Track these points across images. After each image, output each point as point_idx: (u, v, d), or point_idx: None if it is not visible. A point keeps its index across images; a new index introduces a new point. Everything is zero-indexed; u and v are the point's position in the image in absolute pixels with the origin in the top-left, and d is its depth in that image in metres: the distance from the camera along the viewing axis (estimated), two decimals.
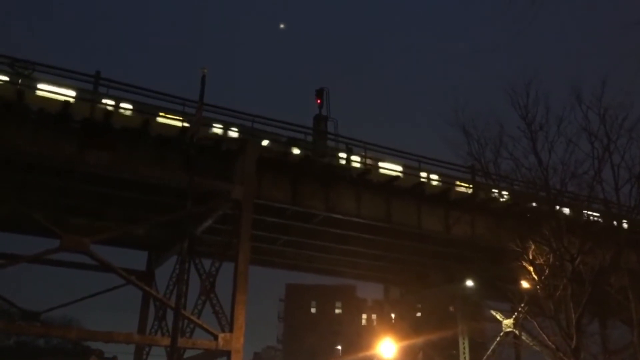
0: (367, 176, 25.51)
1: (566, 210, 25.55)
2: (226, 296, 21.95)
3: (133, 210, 25.41)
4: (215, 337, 20.70)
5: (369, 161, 26.09)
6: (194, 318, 22.05)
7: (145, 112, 21.73)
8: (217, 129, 23.41)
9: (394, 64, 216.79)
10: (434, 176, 27.89)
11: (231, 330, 20.87)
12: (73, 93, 20.80)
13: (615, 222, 24.97)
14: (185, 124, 21.88)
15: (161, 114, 22.03)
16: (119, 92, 21.88)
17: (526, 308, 26.67)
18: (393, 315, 42.85)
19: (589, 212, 26.53)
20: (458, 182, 28.06)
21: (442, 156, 27.52)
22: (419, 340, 37.91)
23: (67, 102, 20.05)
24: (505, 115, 24.19)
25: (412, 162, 27.32)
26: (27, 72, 20.24)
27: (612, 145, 23.31)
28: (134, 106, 21.96)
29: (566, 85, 23.88)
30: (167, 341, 20.78)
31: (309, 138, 25.66)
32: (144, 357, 29.70)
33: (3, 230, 27.79)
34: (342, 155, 25.91)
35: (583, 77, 24.68)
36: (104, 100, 21.16)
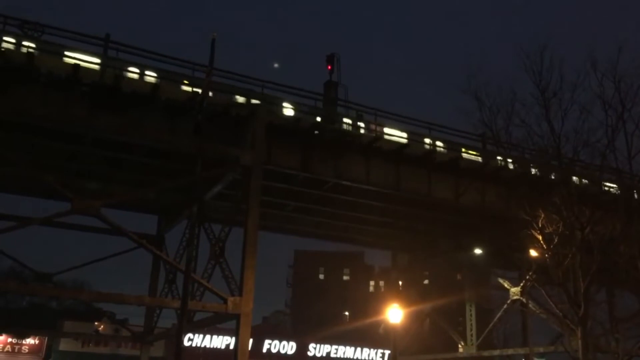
0: (377, 143, 25.36)
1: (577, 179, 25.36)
2: (236, 261, 22.15)
3: (143, 175, 25.47)
4: (225, 301, 20.90)
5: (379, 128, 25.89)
6: (203, 282, 22.26)
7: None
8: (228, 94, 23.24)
9: (405, 30, 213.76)
10: (441, 143, 27.66)
11: (240, 295, 21.08)
12: (83, 56, 20.69)
13: (627, 192, 24.77)
14: (195, 89, 21.77)
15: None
16: (128, 56, 21.73)
17: (534, 276, 26.72)
18: (400, 282, 43.16)
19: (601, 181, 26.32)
20: (465, 150, 27.82)
21: (454, 124, 27.32)
22: (426, 306, 38.31)
23: (77, 65, 19.94)
24: (518, 82, 23.85)
25: (423, 130, 27.14)
26: (37, 35, 20.10)
27: (627, 114, 22.98)
28: (142, 70, 21.80)
29: (582, 51, 23.48)
30: (177, 304, 21.05)
31: (319, 104, 25.48)
32: (155, 319, 30.22)
33: (14, 192, 28.05)
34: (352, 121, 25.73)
35: (599, 44, 24.22)
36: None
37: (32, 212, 26.49)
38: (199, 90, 21.04)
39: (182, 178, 22.94)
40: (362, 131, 25.44)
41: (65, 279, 36.98)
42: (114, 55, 21.55)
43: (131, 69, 21.59)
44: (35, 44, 20.03)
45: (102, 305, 37.16)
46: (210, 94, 21.64)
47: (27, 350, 34.03)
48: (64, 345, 34.16)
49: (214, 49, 18.18)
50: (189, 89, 22.02)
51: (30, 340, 34.16)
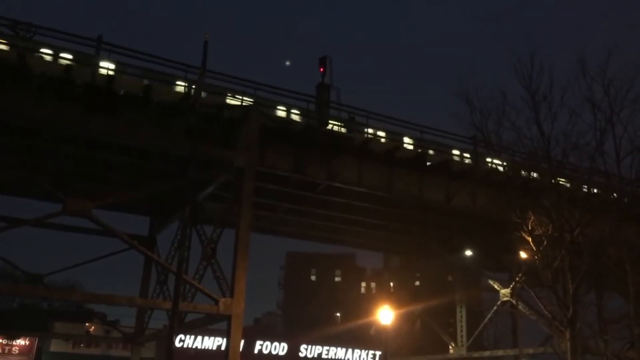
0: (370, 146, 25.49)
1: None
2: (228, 263, 22.19)
3: (136, 176, 25.51)
4: (216, 302, 20.93)
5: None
6: (195, 283, 22.27)
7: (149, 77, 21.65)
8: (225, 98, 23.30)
9: (398, 33, 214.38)
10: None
11: (232, 296, 21.12)
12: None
13: (615, 195, 25.04)
14: (188, 91, 21.81)
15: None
16: (121, 57, 21.74)
17: (524, 278, 26.93)
18: (392, 284, 43.37)
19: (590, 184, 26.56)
20: (458, 153, 28.05)
21: (447, 127, 27.53)
22: (417, 308, 38.50)
23: (69, 66, 19.95)
24: (508, 85, 24.07)
25: (415, 132, 27.33)
26: (29, 35, 20.06)
27: (615, 117, 23.23)
28: (136, 71, 21.82)
29: (571, 55, 23.73)
30: (168, 305, 21.05)
31: (312, 107, 25.56)
32: (146, 320, 30.20)
33: (6, 193, 27.96)
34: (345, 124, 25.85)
35: (589, 48, 24.48)
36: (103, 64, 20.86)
37: (24, 213, 26.40)
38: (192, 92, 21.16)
39: (175, 180, 22.98)
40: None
41: (56, 280, 36.78)
42: (107, 56, 21.54)
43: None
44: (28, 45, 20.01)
45: (93, 307, 37.14)
46: (203, 94, 21.71)
47: (17, 352, 33.90)
48: (55, 346, 34.04)
49: (207, 51, 18.26)
50: (181, 90, 22.06)
51: (20, 341, 34.04)
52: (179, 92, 21.80)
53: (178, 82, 22.34)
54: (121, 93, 20.76)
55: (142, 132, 21.35)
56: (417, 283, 53.48)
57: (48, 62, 20.21)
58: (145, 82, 21.44)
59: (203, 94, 21.41)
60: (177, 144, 21.39)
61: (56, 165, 24.72)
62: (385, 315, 25.81)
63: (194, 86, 21.24)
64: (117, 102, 20.72)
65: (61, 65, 20.06)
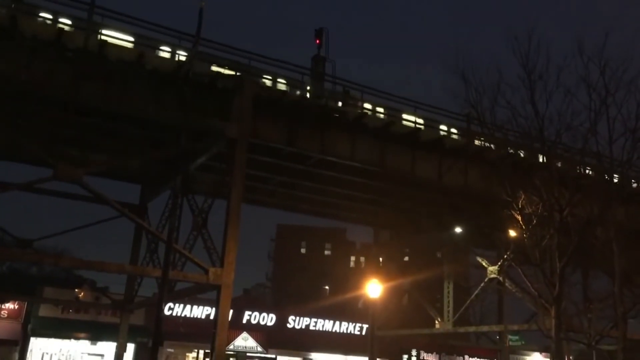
0: (363, 120, 25.41)
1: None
2: (218, 233, 22.24)
3: (128, 144, 25.31)
4: (206, 271, 21.02)
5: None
6: (185, 252, 22.33)
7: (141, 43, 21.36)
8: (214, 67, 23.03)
9: (394, 6, 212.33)
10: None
11: (222, 266, 21.20)
12: (68, 21, 20.39)
13: (606, 176, 25.17)
14: (182, 59, 21.57)
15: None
16: (113, 22, 21.40)
17: (512, 256, 27.18)
18: (381, 259, 43.66)
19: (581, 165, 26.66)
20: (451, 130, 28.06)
21: (441, 104, 27.47)
22: (405, 283, 38.87)
23: (61, 29, 19.62)
24: (504, 63, 23.90)
25: (408, 108, 27.24)
26: None
27: (610, 98, 23.20)
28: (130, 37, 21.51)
29: (569, 34, 23.60)
30: (158, 273, 21.12)
31: (307, 79, 25.39)
32: (136, 288, 30.33)
33: None
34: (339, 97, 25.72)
35: (586, 27, 24.33)
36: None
37: (12, 178, 26.23)
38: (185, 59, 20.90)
39: (167, 148, 22.86)
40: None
41: (45, 246, 36.83)
42: (99, 21, 21.21)
43: (117, 35, 21.24)
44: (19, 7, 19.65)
45: (83, 273, 37.28)
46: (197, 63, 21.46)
47: (6, 315, 33.95)
48: (44, 311, 34.12)
49: (202, 19, 18.02)
50: (175, 58, 21.80)
51: (9, 305, 34.07)
52: (172, 60, 21.54)
53: (171, 49, 21.98)
54: (113, 59, 20.48)
55: (134, 100, 21.15)
56: (406, 258, 53.90)
57: (40, 24, 19.86)
58: (139, 48, 21.12)
59: (197, 63, 21.21)
60: (170, 113, 21.23)
61: (46, 130, 24.46)
62: (373, 289, 25.99)
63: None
64: (109, 69, 20.45)
65: (53, 28, 19.72)
